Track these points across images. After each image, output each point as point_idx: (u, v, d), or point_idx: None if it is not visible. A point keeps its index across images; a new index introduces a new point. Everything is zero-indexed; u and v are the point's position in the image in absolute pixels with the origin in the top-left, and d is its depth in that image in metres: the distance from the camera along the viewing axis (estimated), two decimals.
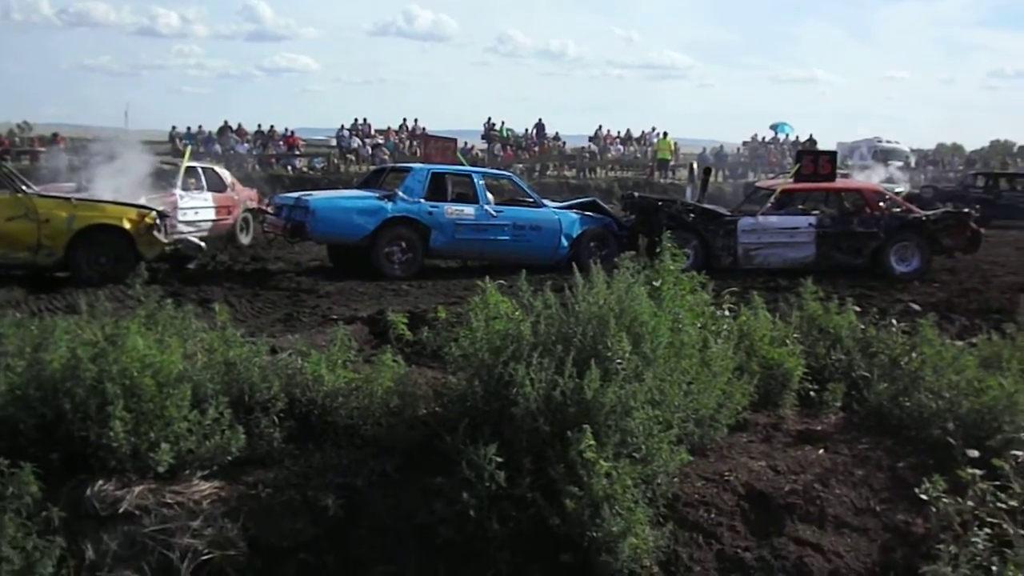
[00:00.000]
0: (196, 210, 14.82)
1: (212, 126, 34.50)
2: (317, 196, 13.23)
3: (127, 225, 10.93)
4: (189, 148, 19.53)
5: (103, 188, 12.53)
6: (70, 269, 10.87)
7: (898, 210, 14.20)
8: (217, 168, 17.69)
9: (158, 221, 11.13)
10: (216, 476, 4.29)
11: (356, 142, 33.62)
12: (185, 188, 15.03)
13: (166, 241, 11.30)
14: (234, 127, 34.41)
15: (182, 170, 15.30)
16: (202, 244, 12.21)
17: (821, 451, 4.97)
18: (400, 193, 12.71)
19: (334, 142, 35.44)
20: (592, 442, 3.99)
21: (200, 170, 16.15)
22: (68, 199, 11.17)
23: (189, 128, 34.14)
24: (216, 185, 16.12)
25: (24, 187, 11.15)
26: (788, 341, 5.68)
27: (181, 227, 13.36)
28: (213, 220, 15.36)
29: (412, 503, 4.22)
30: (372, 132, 34.90)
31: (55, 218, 10.75)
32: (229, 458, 4.31)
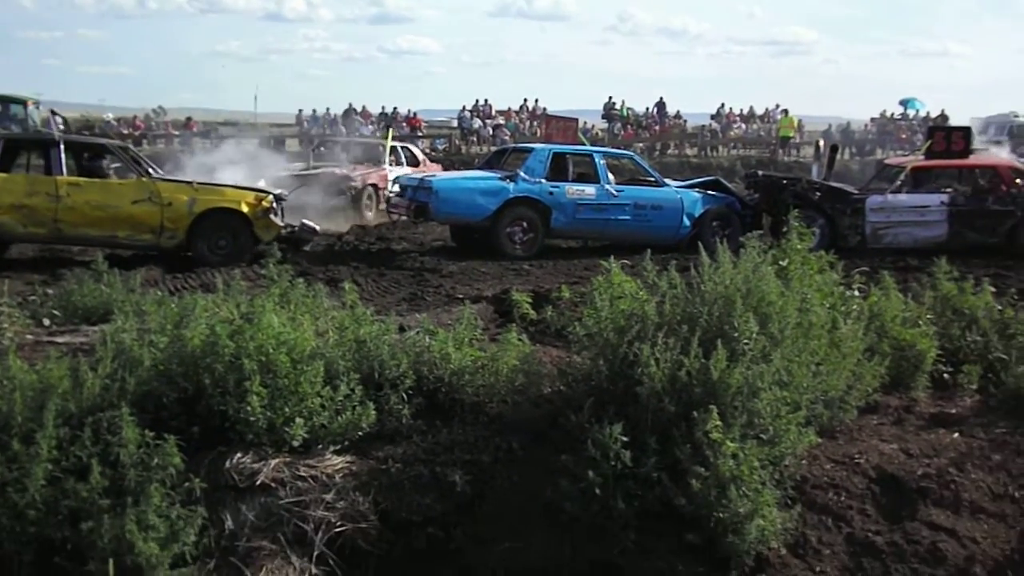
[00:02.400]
0: None
1: (337, 109, 35.31)
2: (440, 177, 13.39)
3: (245, 209, 11.23)
4: (391, 130, 23.39)
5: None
6: (191, 251, 11.22)
7: None
8: (412, 147, 21.47)
9: (275, 205, 11.41)
10: (348, 451, 4.41)
11: (477, 123, 33.87)
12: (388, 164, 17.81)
13: (282, 224, 11.57)
14: (358, 109, 35.07)
15: (387, 149, 18.42)
16: (317, 228, 12.47)
17: (956, 435, 4.84)
18: (522, 173, 12.76)
19: (455, 123, 35.78)
20: (718, 423, 3.97)
21: (399, 148, 19.51)
22: (190, 183, 11.51)
23: (315, 111, 34.95)
24: (412, 161, 19.46)
25: (149, 171, 11.59)
26: (921, 322, 5.53)
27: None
28: None
29: (538, 480, 4.26)
30: (493, 113, 35.07)
31: (177, 201, 11.08)
32: (360, 433, 4.41)
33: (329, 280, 9.33)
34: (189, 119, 34.65)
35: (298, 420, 4.27)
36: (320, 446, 4.38)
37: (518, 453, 4.44)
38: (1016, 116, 37.22)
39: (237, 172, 14.31)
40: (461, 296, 8.81)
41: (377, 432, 4.49)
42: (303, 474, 4.26)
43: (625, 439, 4.04)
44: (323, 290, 5.60)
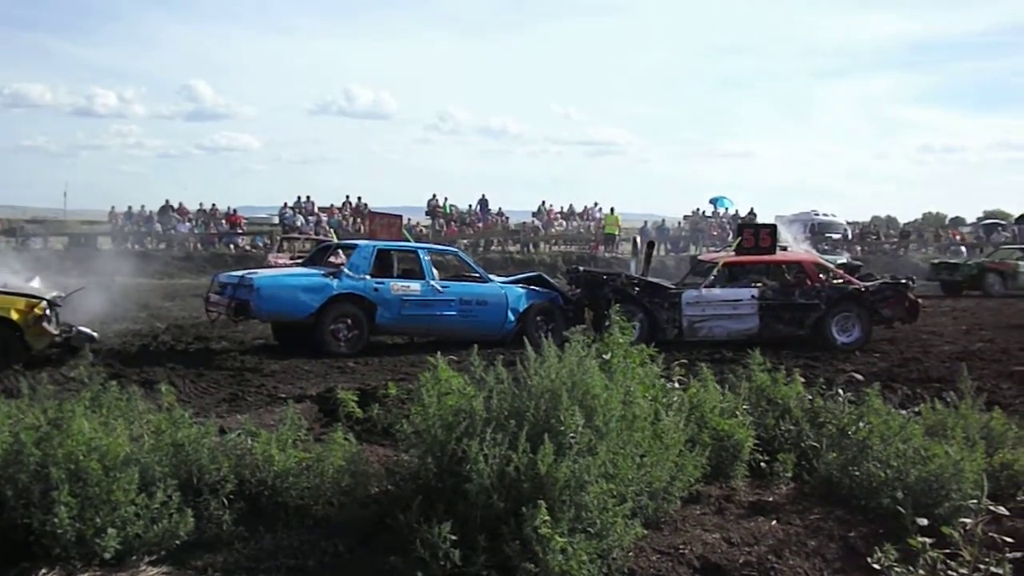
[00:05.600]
0: None
1: (153, 205, 34.27)
2: (261, 274, 13.13)
3: (15, 316, 10.55)
4: (333, 230, 23.57)
5: None
6: None
7: (839, 281, 14.44)
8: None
9: (47, 312, 10.84)
10: (164, 561, 4.19)
11: (299, 219, 33.50)
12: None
13: (55, 332, 10.99)
14: (175, 206, 34.20)
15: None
16: (94, 334, 11.91)
17: (774, 522, 4.99)
18: (346, 270, 12.67)
19: (277, 220, 35.30)
20: (547, 517, 3.97)
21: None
22: None
23: (130, 207, 33.87)
24: None
25: None
26: (738, 412, 5.72)
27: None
28: None
29: None
30: (315, 209, 34.82)
31: None
32: (177, 542, 4.22)
33: (144, 382, 8.92)
34: None
35: (110, 531, 4.04)
36: (134, 557, 4.15)
37: (345, 556, 4.32)
38: (816, 214, 39.62)
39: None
40: (284, 396, 8.59)
41: (196, 540, 4.30)
42: None
43: (454, 538, 3.99)
44: (137, 392, 5.36)
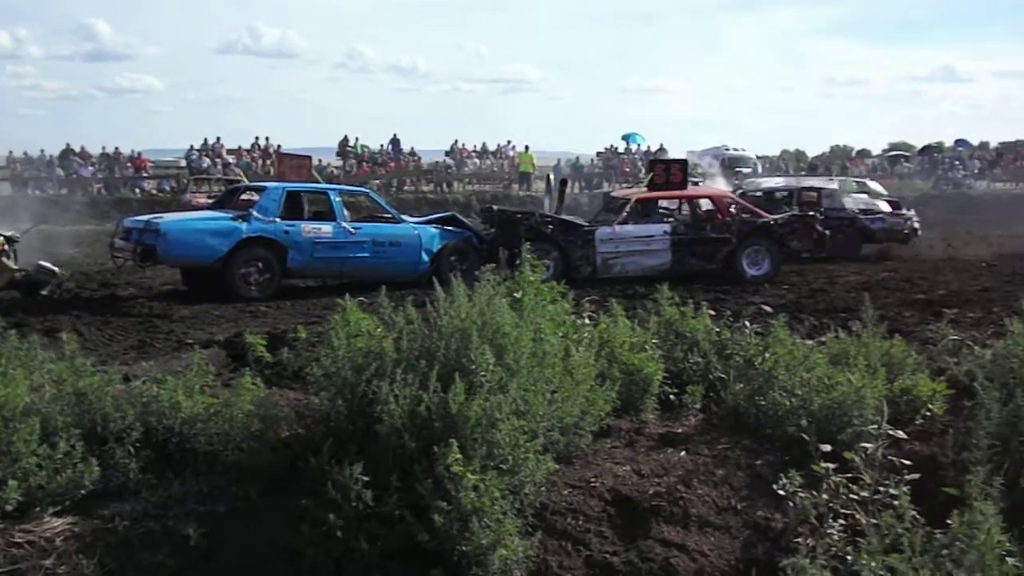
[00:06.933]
0: None
1: (54, 149, 33.18)
2: (168, 218, 12.86)
3: None
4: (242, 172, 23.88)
5: None
6: None
7: (748, 215, 14.68)
8: None
9: (6, 247, 10.57)
10: (69, 511, 4.11)
11: (207, 162, 32.76)
12: None
13: (15, 268, 10.73)
14: (77, 150, 33.16)
15: None
16: (56, 269, 11.66)
17: (683, 453, 5.07)
18: (255, 213, 12.46)
19: (184, 163, 34.46)
20: (459, 456, 3.98)
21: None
22: None
23: (26, 153, 32.76)
24: None
25: None
26: (647, 347, 5.78)
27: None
28: None
29: (278, 527, 4.13)
30: (223, 152, 34.07)
31: None
32: (83, 492, 4.14)
33: (48, 331, 8.68)
34: None
35: (11, 483, 3.95)
36: (38, 508, 4.06)
37: (256, 501, 4.28)
38: (727, 149, 40.09)
39: None
40: (192, 342, 8.44)
41: (102, 490, 4.22)
42: (19, 540, 3.93)
43: (366, 479, 3.99)
44: (38, 341, 5.22)
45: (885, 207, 18.97)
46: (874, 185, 25.23)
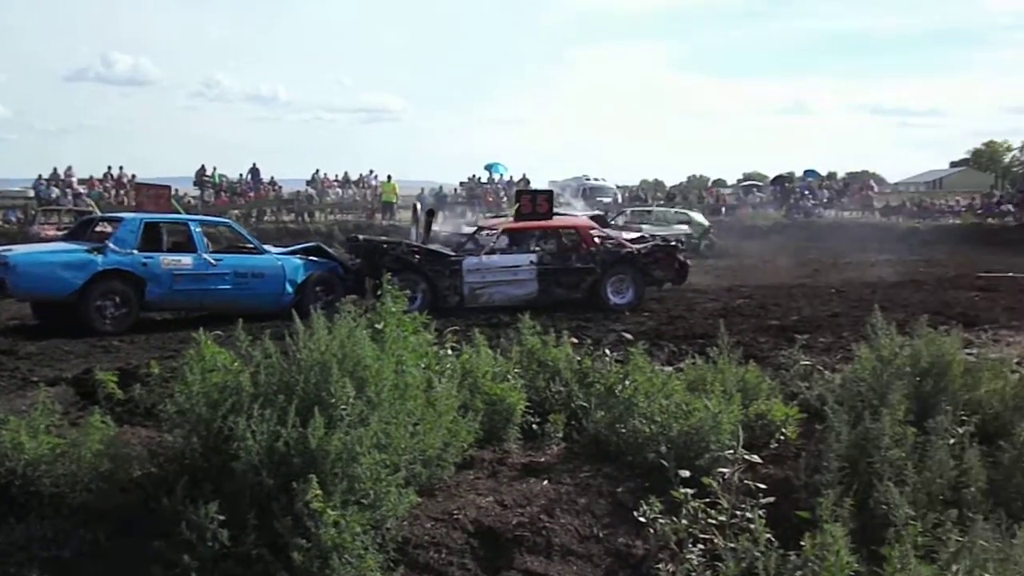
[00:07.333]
0: None
1: None
2: (17, 251, 12.35)
3: None
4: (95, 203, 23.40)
5: None
6: None
7: (612, 245, 14.94)
8: None
9: None
10: None
11: (56, 192, 31.44)
12: None
13: None
14: None
15: None
16: None
17: (545, 482, 5.10)
18: (111, 244, 12.07)
19: (32, 193, 33.04)
20: (318, 492, 3.91)
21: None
22: None
23: None
24: None
25: None
26: (510, 376, 5.80)
27: None
28: None
29: (129, 571, 3.99)
30: (74, 182, 32.79)
31: None
32: None
33: None
34: None
35: None
36: None
37: (105, 544, 4.13)
38: (587, 179, 40.83)
39: None
40: (37, 379, 8.07)
41: None
42: None
43: (222, 518, 3.89)
44: None
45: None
46: (697, 216, 27.44)
